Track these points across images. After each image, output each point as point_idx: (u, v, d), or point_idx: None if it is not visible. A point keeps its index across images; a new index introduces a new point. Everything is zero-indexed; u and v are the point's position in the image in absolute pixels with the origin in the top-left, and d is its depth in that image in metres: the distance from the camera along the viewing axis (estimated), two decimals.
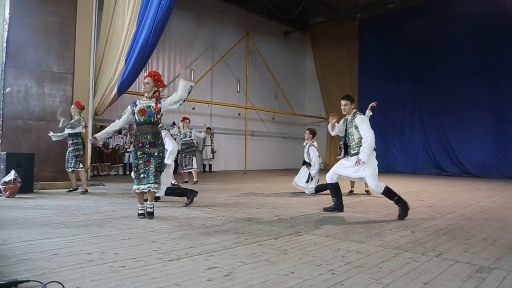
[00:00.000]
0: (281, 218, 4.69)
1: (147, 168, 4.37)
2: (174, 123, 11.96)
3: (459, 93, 14.32)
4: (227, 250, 3.10)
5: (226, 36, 15.99)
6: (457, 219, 4.86)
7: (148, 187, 4.35)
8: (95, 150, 10.94)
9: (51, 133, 7.06)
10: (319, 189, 7.42)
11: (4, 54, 7.54)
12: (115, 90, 9.24)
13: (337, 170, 5.13)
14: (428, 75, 15.35)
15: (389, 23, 16.13)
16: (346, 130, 5.11)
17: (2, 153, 6.92)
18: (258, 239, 3.52)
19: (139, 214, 4.54)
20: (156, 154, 4.42)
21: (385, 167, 14.39)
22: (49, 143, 7.85)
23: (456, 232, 4.03)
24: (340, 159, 5.87)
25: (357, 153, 4.84)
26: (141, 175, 4.39)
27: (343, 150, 5.27)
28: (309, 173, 7.43)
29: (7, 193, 6.17)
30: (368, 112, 6.76)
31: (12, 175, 6.24)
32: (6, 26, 7.58)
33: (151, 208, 4.48)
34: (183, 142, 9.31)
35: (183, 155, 9.44)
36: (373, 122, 5.83)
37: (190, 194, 5.61)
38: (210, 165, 14.88)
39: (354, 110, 5.08)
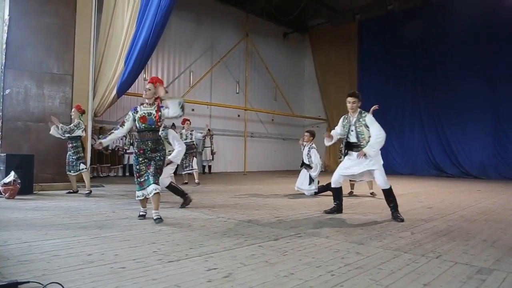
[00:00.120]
0: (281, 220, 4.69)
1: (148, 171, 4.34)
2: (173, 125, 11.96)
3: (458, 94, 14.34)
4: (227, 252, 3.10)
5: (225, 37, 16.01)
6: (457, 220, 4.87)
7: (150, 192, 4.28)
8: (95, 152, 10.93)
9: (53, 128, 6.97)
10: (320, 190, 7.43)
11: (4, 56, 7.55)
12: (114, 92, 9.23)
13: (342, 172, 5.07)
14: (427, 76, 15.38)
15: (388, 25, 16.15)
16: (350, 130, 4.97)
17: (2, 154, 6.92)
18: (258, 240, 3.52)
19: (139, 215, 4.55)
20: (157, 158, 4.39)
21: (385, 168, 14.09)
22: (49, 145, 7.87)
23: (455, 233, 4.04)
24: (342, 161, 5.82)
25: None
26: (142, 179, 4.36)
27: (344, 149, 5.11)
28: (310, 175, 7.44)
29: (6, 194, 6.17)
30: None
31: (11, 176, 6.24)
32: (6, 28, 7.59)
33: (157, 215, 4.33)
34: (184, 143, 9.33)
35: (183, 156, 9.45)
36: None
37: (186, 200, 5.61)
38: (209, 167, 14.88)
39: (359, 109, 5.04)
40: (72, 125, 6.91)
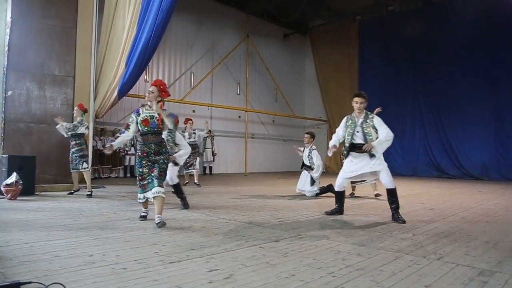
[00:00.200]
0: (282, 221, 4.69)
1: (152, 174, 4.30)
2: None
3: (459, 95, 14.32)
4: (228, 253, 3.10)
5: (226, 38, 16.03)
6: (458, 222, 4.86)
7: (153, 194, 4.23)
8: (96, 153, 10.95)
9: (59, 123, 6.96)
10: (321, 191, 7.44)
11: (6, 58, 7.57)
12: (115, 93, 9.25)
13: (347, 176, 5.04)
14: (428, 77, 15.36)
15: (388, 26, 16.15)
16: (356, 131, 4.90)
17: (4, 155, 6.94)
18: (258, 241, 3.53)
19: (141, 216, 4.56)
20: (161, 161, 4.34)
21: None
22: (50, 146, 7.89)
23: (457, 235, 4.03)
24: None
25: (375, 154, 4.82)
26: (146, 181, 4.32)
27: (347, 150, 5.00)
28: (311, 176, 7.43)
29: (9, 195, 6.18)
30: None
31: (13, 177, 6.26)
32: (8, 30, 7.62)
33: (160, 219, 4.19)
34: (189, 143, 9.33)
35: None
36: None
37: (185, 204, 5.64)
38: (210, 168, 14.89)
39: (365, 110, 5.01)
40: (75, 122, 6.95)
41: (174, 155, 5.70)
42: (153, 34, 8.54)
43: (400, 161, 15.86)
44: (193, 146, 9.40)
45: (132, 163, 12.40)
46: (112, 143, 4.52)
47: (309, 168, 7.48)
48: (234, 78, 16.52)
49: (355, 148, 4.93)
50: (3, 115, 7.53)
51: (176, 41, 14.45)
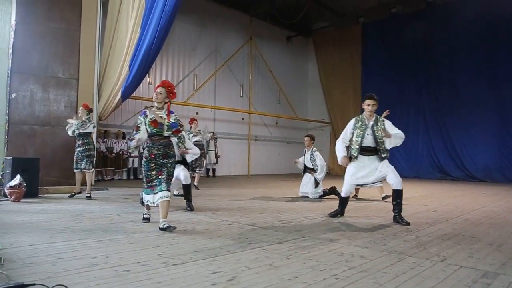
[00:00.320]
0: (285, 223, 4.69)
1: (159, 177, 4.21)
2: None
3: (462, 97, 14.28)
4: (231, 255, 3.10)
5: (229, 41, 16.06)
6: (462, 224, 4.84)
7: (160, 198, 4.14)
8: (99, 155, 10.98)
9: (70, 122, 6.96)
10: (324, 193, 7.42)
11: (10, 60, 7.63)
12: (119, 95, 9.30)
13: (356, 182, 4.98)
14: (431, 79, 15.34)
15: (392, 27, 16.13)
16: (366, 133, 4.83)
17: (8, 157, 6.98)
18: (262, 243, 3.53)
19: (143, 218, 4.55)
20: (169, 164, 4.27)
21: None
22: (54, 148, 7.93)
23: (460, 237, 4.02)
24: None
25: (386, 157, 4.82)
26: (153, 183, 4.23)
27: (357, 153, 4.86)
28: (315, 178, 7.42)
29: (12, 197, 6.21)
30: None
31: (17, 179, 6.28)
32: (13, 33, 7.67)
33: (165, 223, 4.07)
34: (193, 143, 9.29)
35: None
36: None
37: (190, 205, 5.67)
38: (213, 170, 14.89)
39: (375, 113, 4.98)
40: (84, 119, 6.92)
41: (188, 150, 5.76)
42: (157, 37, 8.59)
43: (403, 163, 15.80)
44: (199, 146, 9.36)
45: (136, 165, 12.43)
46: (131, 143, 4.45)
47: (312, 170, 7.47)
48: (237, 80, 16.54)
49: (363, 151, 4.85)
50: (7, 117, 7.58)
51: (180, 44, 14.50)
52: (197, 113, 14.18)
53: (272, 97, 18.01)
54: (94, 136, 8.24)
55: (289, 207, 6.20)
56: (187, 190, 5.75)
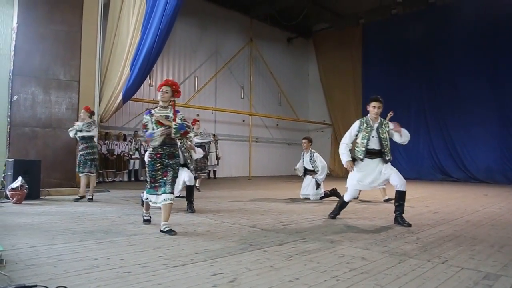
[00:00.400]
0: (286, 225, 4.69)
1: (164, 178, 4.12)
2: None
3: (463, 97, 14.27)
4: (232, 256, 3.10)
5: (229, 42, 16.09)
6: (463, 225, 4.83)
7: (164, 200, 4.06)
8: (100, 157, 10.99)
9: (75, 124, 6.92)
10: (325, 195, 7.42)
11: (12, 63, 7.65)
12: (120, 97, 9.31)
13: (360, 188, 4.91)
14: (432, 80, 15.33)
15: (392, 29, 16.15)
16: (371, 136, 4.76)
17: (10, 159, 6.99)
18: (262, 245, 3.53)
19: (144, 220, 4.54)
20: (174, 165, 4.19)
21: None
22: (55, 150, 7.94)
23: (462, 238, 4.01)
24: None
25: (390, 160, 4.80)
26: (157, 183, 4.13)
27: (363, 155, 4.76)
28: (316, 179, 7.42)
29: (14, 199, 6.22)
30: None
31: (19, 181, 6.30)
32: (14, 35, 7.70)
33: (167, 226, 4.04)
34: (196, 144, 9.27)
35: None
36: None
37: (192, 207, 5.67)
38: (214, 172, 14.89)
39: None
40: (90, 121, 6.90)
41: (193, 145, 5.83)
42: (157, 39, 8.60)
43: (404, 165, 15.77)
44: (202, 147, 9.33)
45: (137, 167, 12.44)
46: (152, 134, 4.11)
47: (313, 172, 7.47)
48: (238, 82, 16.56)
49: (368, 153, 4.78)
50: (8, 119, 7.60)
51: (180, 46, 14.53)
52: (198, 115, 14.20)
53: (272, 98, 18.02)
54: (95, 139, 8.26)
55: (290, 209, 6.20)
56: (189, 191, 5.75)
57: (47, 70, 8.02)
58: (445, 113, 14.92)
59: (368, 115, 4.91)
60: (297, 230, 4.30)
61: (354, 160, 4.86)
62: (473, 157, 14.20)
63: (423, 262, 3.04)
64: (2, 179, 7.13)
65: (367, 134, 4.78)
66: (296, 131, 18.77)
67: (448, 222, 5.02)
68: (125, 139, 12.23)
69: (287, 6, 16.15)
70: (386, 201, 7.09)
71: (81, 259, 2.92)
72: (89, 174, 6.89)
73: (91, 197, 6.91)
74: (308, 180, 7.56)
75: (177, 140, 4.42)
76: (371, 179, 4.79)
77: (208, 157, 14.35)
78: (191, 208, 5.63)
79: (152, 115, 4.16)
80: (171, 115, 4.16)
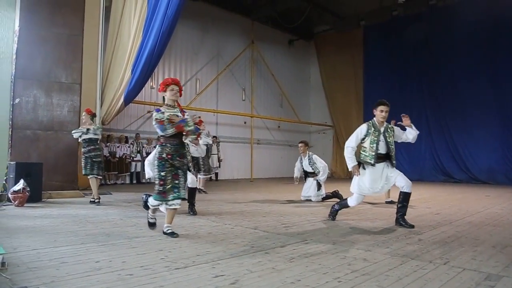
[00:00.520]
0: (288, 226, 4.69)
1: (176, 182, 3.97)
2: None
3: (465, 99, 14.26)
4: (234, 258, 3.11)
5: (231, 45, 16.12)
6: (465, 226, 4.83)
7: (174, 205, 3.95)
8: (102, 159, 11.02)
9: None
10: (327, 196, 7.42)
11: (14, 66, 7.69)
12: (121, 100, 9.34)
13: (368, 192, 4.81)
14: (433, 81, 15.32)
15: (393, 30, 16.15)
16: (379, 140, 4.68)
17: (12, 162, 7.02)
18: (264, 247, 3.53)
19: (150, 224, 4.33)
20: (184, 167, 4.09)
21: None
22: (57, 153, 7.96)
23: (463, 239, 4.00)
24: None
25: (395, 164, 4.79)
26: (168, 186, 3.93)
27: (374, 160, 4.65)
28: (317, 180, 7.42)
29: (16, 202, 6.24)
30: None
31: (21, 184, 6.32)
32: (16, 39, 7.74)
33: (169, 229, 4.00)
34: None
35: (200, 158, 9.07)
36: None
37: (193, 209, 5.67)
38: (216, 174, 14.89)
39: None
40: (97, 124, 6.89)
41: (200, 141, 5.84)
42: (159, 41, 8.63)
43: (406, 166, 15.75)
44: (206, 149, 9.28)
45: (138, 169, 12.45)
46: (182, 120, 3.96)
47: (314, 174, 7.48)
48: (239, 84, 16.58)
49: (378, 158, 4.68)
50: (10, 122, 7.63)
51: (182, 48, 14.56)
52: (199, 117, 14.19)
53: (274, 100, 18.03)
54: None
55: (292, 211, 6.20)
56: (191, 193, 5.75)
57: (49, 73, 8.06)
58: (446, 114, 14.91)
59: (374, 118, 4.84)
60: (298, 232, 4.30)
61: (359, 164, 4.79)
62: (474, 158, 14.18)
63: (425, 263, 3.03)
64: (4, 182, 7.15)
65: (375, 138, 4.70)
66: (298, 133, 18.76)
67: (450, 223, 5.01)
68: (126, 142, 12.25)
69: (288, 8, 16.17)
70: (388, 203, 7.08)
71: (83, 262, 2.93)
72: (97, 176, 6.87)
73: (93, 199, 6.89)
74: (310, 182, 7.59)
75: (187, 141, 4.30)
76: (382, 184, 4.74)
77: (210, 159, 14.40)
78: (192, 211, 5.63)
79: (163, 113, 3.96)
80: (180, 114, 4.05)
